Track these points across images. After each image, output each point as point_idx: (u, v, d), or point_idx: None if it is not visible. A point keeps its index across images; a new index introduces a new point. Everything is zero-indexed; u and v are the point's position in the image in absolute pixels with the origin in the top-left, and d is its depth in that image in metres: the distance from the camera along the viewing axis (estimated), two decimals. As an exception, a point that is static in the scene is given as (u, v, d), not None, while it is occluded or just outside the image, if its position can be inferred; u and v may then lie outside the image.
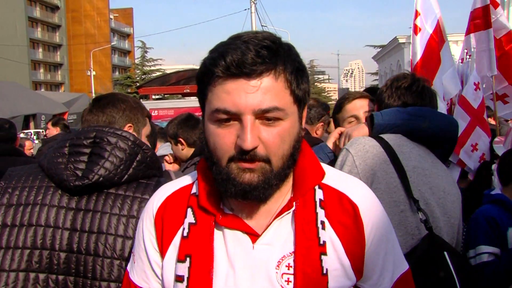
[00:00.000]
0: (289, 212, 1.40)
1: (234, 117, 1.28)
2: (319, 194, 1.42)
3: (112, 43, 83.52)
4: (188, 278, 1.38)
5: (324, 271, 1.35)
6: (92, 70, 53.59)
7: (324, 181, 1.46)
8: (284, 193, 1.43)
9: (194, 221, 1.43)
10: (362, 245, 1.42)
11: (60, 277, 1.90)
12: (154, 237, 1.50)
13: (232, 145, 1.29)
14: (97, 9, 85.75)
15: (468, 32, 5.15)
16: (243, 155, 1.28)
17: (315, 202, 1.41)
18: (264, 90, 1.26)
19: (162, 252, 1.48)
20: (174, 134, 4.27)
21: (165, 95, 20.14)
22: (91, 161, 1.97)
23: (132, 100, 2.39)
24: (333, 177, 1.50)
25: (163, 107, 14.15)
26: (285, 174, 1.37)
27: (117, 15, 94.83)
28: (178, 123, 4.30)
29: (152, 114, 14.01)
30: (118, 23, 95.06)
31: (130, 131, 2.24)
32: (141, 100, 16.53)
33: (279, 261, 1.37)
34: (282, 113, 1.29)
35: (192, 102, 15.05)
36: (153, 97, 17.28)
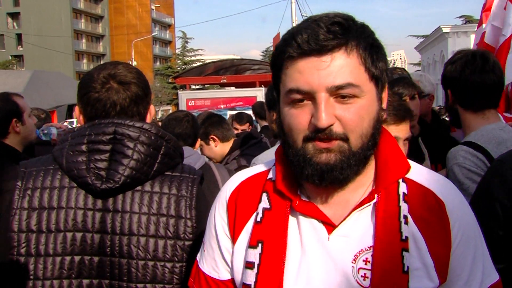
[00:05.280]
0: (370, 205, 1.32)
1: (308, 96, 1.24)
2: (403, 188, 1.33)
3: (153, 34, 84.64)
4: (258, 265, 1.32)
5: (405, 269, 1.24)
6: (133, 60, 54.32)
7: (409, 175, 1.37)
8: (365, 184, 1.36)
9: (268, 206, 1.38)
10: (447, 246, 1.31)
11: (95, 281, 1.85)
12: (226, 222, 1.46)
13: (306, 125, 1.25)
14: (138, 0, 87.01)
15: (481, 23, 4.79)
16: (319, 133, 1.23)
17: (399, 195, 1.31)
18: (336, 66, 1.22)
19: (234, 238, 1.43)
20: (204, 133, 4.20)
21: (205, 85, 20.25)
22: (115, 160, 1.86)
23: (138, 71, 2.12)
24: (419, 172, 1.40)
25: (200, 97, 14.19)
26: (365, 156, 1.29)
27: (158, 5, 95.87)
28: (203, 121, 4.26)
29: (189, 104, 14.12)
30: (159, 14, 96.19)
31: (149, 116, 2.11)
32: (179, 90, 16.66)
33: (356, 255, 1.29)
34: (357, 90, 1.24)
35: (229, 92, 15.06)
36: (192, 87, 17.39)
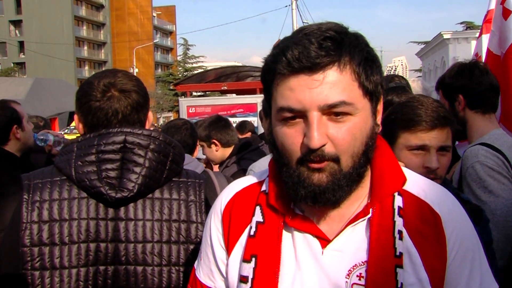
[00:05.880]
0: (364, 219, 1.30)
1: (300, 114, 1.21)
2: (398, 201, 1.30)
3: (154, 41, 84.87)
4: (252, 279, 1.31)
5: (399, 285, 1.22)
6: (135, 67, 54.43)
7: (405, 187, 1.34)
8: (360, 198, 1.33)
9: (262, 220, 1.36)
10: (443, 260, 1.28)
11: None
12: (221, 233, 1.45)
13: (299, 145, 1.22)
14: (140, 7, 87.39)
15: (481, 34, 4.75)
16: (311, 154, 1.20)
17: (394, 209, 1.29)
18: (329, 84, 1.18)
19: (228, 250, 1.42)
20: (207, 136, 4.23)
21: (206, 92, 20.28)
22: (127, 169, 1.86)
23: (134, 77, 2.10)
24: (415, 183, 1.37)
25: (201, 104, 14.23)
26: (358, 174, 1.26)
27: (159, 12, 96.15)
28: (209, 124, 4.28)
29: (189, 111, 14.15)
30: (160, 21, 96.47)
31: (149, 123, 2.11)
32: (180, 97, 16.72)
33: (349, 270, 1.27)
34: (351, 108, 1.20)
35: (230, 100, 15.09)
36: (193, 94, 17.42)
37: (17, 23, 75.70)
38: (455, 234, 1.30)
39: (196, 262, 1.56)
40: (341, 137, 1.21)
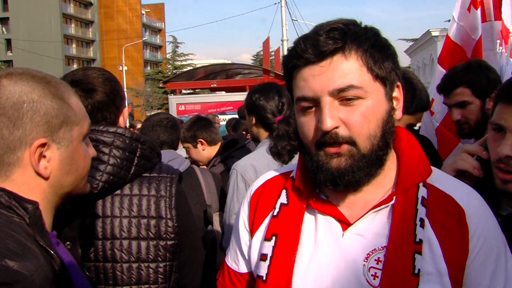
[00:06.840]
0: (388, 206, 1.33)
1: (314, 102, 1.28)
2: (422, 192, 1.33)
3: (143, 38, 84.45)
4: (271, 257, 1.37)
5: (416, 271, 1.23)
6: (124, 65, 54.06)
7: (430, 181, 1.37)
8: (385, 186, 1.36)
9: (286, 202, 1.43)
10: (465, 253, 1.28)
11: None
12: (247, 216, 1.52)
13: (314, 130, 1.29)
14: (129, 5, 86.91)
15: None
16: (325, 136, 1.26)
17: (417, 198, 1.31)
18: (336, 69, 1.25)
19: (252, 231, 1.49)
20: (192, 136, 4.25)
21: (196, 90, 20.24)
22: (91, 167, 1.83)
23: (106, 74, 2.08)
24: (441, 179, 1.40)
25: (190, 102, 14.22)
26: (378, 157, 1.30)
27: (148, 10, 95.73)
28: (192, 124, 4.30)
29: (179, 108, 14.13)
30: (149, 18, 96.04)
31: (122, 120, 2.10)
32: (169, 95, 16.66)
33: (368, 253, 1.30)
34: (361, 91, 1.25)
35: (219, 97, 15.08)
36: (183, 91, 17.38)
37: (3, 21, 75.01)
38: (479, 231, 1.31)
39: (227, 250, 1.63)
40: (354, 119, 1.26)
